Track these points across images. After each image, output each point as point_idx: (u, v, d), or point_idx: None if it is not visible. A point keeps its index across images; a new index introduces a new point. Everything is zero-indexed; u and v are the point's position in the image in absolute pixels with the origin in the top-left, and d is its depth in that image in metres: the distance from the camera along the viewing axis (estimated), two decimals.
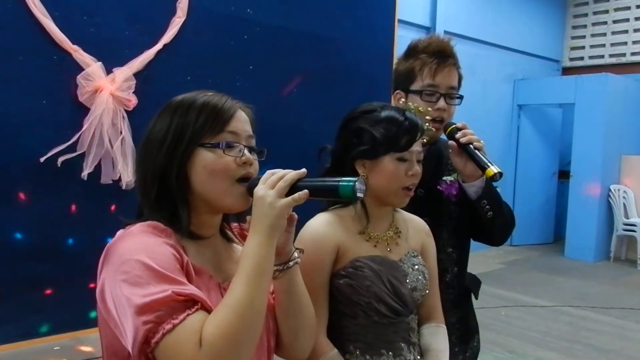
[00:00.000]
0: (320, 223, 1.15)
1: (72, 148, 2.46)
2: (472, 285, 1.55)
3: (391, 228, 1.22)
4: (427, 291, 1.21)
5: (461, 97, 1.46)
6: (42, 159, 2.40)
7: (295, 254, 0.93)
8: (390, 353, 1.13)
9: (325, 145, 1.22)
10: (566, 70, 7.68)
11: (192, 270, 0.83)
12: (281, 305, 0.94)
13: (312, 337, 0.99)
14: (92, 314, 2.41)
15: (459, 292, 1.48)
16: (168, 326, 0.73)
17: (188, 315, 0.74)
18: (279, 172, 0.85)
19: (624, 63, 7.14)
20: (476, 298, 1.56)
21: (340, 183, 0.84)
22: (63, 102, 2.47)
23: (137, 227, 0.84)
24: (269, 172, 0.86)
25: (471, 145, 1.32)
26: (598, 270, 5.95)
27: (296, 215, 0.91)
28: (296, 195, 0.82)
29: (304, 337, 0.96)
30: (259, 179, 0.86)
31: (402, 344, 1.15)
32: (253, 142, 0.93)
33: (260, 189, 0.83)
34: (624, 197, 6.35)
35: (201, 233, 0.90)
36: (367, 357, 1.13)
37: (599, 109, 6.25)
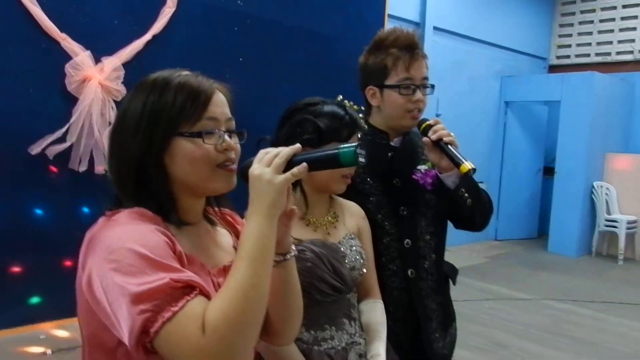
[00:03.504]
0: None
1: (62, 139, 2.44)
2: (450, 272, 1.60)
3: (329, 213, 1.31)
4: (365, 270, 1.32)
5: (433, 87, 1.50)
6: (33, 152, 2.37)
7: (293, 247, 0.93)
8: (333, 327, 1.23)
9: (265, 137, 1.26)
10: (553, 68, 7.77)
11: (184, 258, 0.81)
12: (275, 294, 0.93)
13: (299, 325, 1.00)
14: None
15: (437, 278, 1.52)
16: (167, 314, 0.71)
17: (187, 301, 0.72)
18: (273, 150, 0.83)
19: (609, 62, 7.25)
20: (454, 284, 1.61)
21: (341, 150, 0.83)
22: (51, 92, 2.44)
23: (124, 215, 0.81)
24: (262, 151, 0.84)
25: (443, 141, 1.36)
26: (580, 265, 6.06)
27: (296, 210, 0.90)
28: (295, 169, 0.81)
29: (292, 325, 0.97)
30: (250, 161, 0.84)
31: (344, 319, 1.25)
32: (232, 125, 0.90)
33: (256, 168, 0.81)
34: (606, 194, 6.47)
35: (187, 219, 0.89)
36: (312, 332, 1.22)
37: (584, 107, 6.34)
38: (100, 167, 2.56)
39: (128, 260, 0.73)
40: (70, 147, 2.48)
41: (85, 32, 2.49)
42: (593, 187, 6.50)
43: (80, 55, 2.47)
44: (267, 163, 0.81)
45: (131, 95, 0.88)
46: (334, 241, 1.28)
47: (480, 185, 1.77)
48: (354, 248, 1.30)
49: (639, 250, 6.43)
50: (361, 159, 0.85)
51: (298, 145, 0.83)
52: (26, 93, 2.38)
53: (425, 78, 1.46)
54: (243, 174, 0.85)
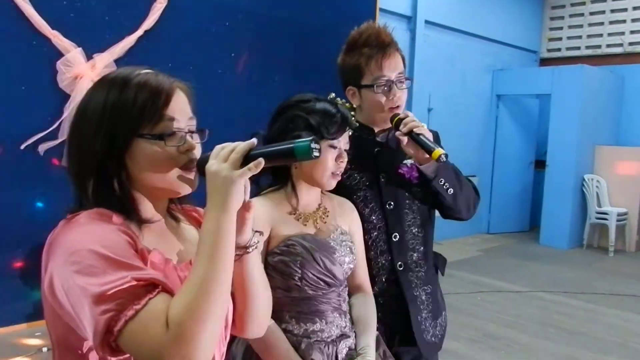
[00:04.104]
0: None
1: (53, 135, 2.44)
2: (439, 262, 1.63)
3: (320, 208, 1.33)
4: (354, 265, 1.34)
5: (410, 79, 1.51)
6: (22, 146, 2.37)
7: (255, 240, 0.92)
8: (323, 321, 1.26)
9: (258, 131, 1.27)
10: (544, 61, 7.81)
11: (147, 255, 0.82)
12: (240, 288, 0.93)
13: (268, 315, 1.01)
14: None
15: (426, 269, 1.56)
16: (130, 312, 0.71)
17: (150, 299, 0.73)
18: (229, 145, 0.83)
19: (599, 55, 7.30)
20: (442, 274, 1.64)
21: (296, 144, 0.83)
22: (43, 88, 2.44)
23: (83, 216, 0.81)
24: (218, 147, 0.83)
25: (414, 132, 1.38)
26: (571, 257, 6.13)
27: (253, 202, 0.89)
28: (251, 164, 0.80)
29: (260, 316, 0.98)
30: (207, 156, 0.84)
31: (335, 313, 1.28)
32: (194, 124, 0.89)
33: (212, 164, 0.80)
34: (597, 187, 6.53)
35: (150, 218, 0.88)
36: (302, 324, 1.24)
37: (574, 99, 6.38)
38: None
39: (89, 261, 0.73)
40: (63, 143, 2.49)
41: (77, 29, 2.48)
42: (584, 179, 6.56)
43: (72, 52, 2.47)
44: (223, 159, 0.80)
45: (91, 91, 0.86)
46: (325, 236, 1.29)
47: (473, 178, 1.80)
48: (344, 243, 1.32)
49: (629, 242, 6.51)
50: (315, 154, 0.83)
51: (254, 139, 0.83)
52: (17, 89, 2.38)
53: (401, 73, 1.47)
54: (200, 168, 0.85)
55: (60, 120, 2.46)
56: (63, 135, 2.47)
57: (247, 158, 0.81)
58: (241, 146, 0.82)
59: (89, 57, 2.52)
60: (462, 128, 6.53)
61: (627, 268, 5.73)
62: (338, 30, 3.51)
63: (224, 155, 0.81)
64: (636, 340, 3.70)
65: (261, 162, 0.80)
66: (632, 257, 6.25)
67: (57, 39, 2.44)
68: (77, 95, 2.50)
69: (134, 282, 0.72)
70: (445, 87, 6.26)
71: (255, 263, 0.94)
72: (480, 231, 7.10)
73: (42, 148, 2.43)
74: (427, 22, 5.97)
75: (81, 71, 2.51)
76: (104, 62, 2.56)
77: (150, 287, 0.74)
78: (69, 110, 2.48)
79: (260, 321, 0.99)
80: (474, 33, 6.71)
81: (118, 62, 2.60)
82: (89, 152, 0.83)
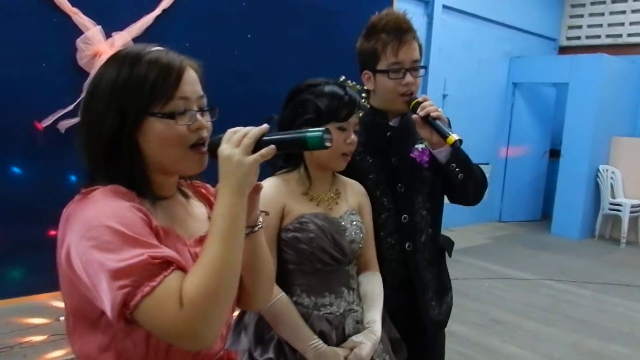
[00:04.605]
0: (269, 186, 1.28)
1: (73, 113, 2.50)
2: (446, 245, 1.67)
3: (331, 190, 1.39)
4: (364, 244, 1.40)
5: (425, 68, 1.54)
6: (42, 125, 2.43)
7: (260, 219, 0.95)
8: (332, 295, 1.32)
9: (272, 115, 1.33)
10: (563, 50, 7.69)
11: (160, 231, 0.84)
12: (246, 264, 0.94)
13: (271, 289, 1.06)
14: None
15: (433, 251, 1.60)
16: (146, 289, 0.75)
17: (165, 276, 0.76)
18: (241, 129, 0.84)
19: (620, 44, 7.16)
20: (449, 256, 1.68)
21: (308, 134, 0.85)
22: (63, 66, 2.48)
23: (99, 192, 0.83)
24: (230, 131, 0.85)
25: (430, 116, 1.41)
26: (582, 247, 6.11)
27: (262, 184, 0.92)
28: (263, 150, 0.82)
29: (263, 290, 1.02)
30: (219, 139, 0.85)
31: (343, 288, 1.34)
32: (204, 103, 0.90)
33: (225, 149, 0.82)
34: (611, 178, 6.48)
35: (162, 194, 0.91)
36: (312, 297, 1.30)
37: (592, 89, 6.30)
38: None
39: (106, 237, 0.76)
40: None
41: (96, 7, 2.52)
42: (598, 170, 6.50)
43: (91, 30, 2.51)
44: (236, 143, 0.82)
45: (103, 69, 0.87)
46: (336, 216, 1.35)
47: (486, 166, 1.82)
48: (355, 223, 1.37)
49: None
50: (327, 144, 0.85)
51: (266, 125, 0.85)
52: (38, 66, 2.43)
53: (416, 61, 1.50)
54: (211, 150, 0.87)
55: (79, 99, 2.51)
56: None
57: (259, 144, 0.83)
58: (253, 132, 0.83)
59: (108, 35, 2.56)
60: (477, 115, 6.48)
61: (638, 259, 5.70)
62: (354, 12, 3.53)
63: (236, 140, 0.83)
64: None
65: (273, 149, 0.82)
66: None
67: (78, 16, 2.48)
68: None
69: (150, 260, 0.76)
70: (461, 73, 6.21)
71: (260, 240, 0.97)
72: (492, 219, 7.09)
73: (62, 125, 2.49)
74: (444, 6, 5.91)
75: (100, 49, 2.54)
76: (123, 41, 2.60)
77: (165, 264, 0.77)
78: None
79: (264, 295, 1.04)
80: (492, 19, 6.62)
81: (136, 40, 2.62)
82: (100, 129, 0.85)
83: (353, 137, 1.33)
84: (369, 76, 1.53)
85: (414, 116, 1.44)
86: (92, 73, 2.53)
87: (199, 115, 0.88)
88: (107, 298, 0.75)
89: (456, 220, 5.71)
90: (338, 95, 1.30)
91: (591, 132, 6.35)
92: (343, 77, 1.39)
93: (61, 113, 2.46)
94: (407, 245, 1.54)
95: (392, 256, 1.54)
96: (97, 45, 2.54)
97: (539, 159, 7.40)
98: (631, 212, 6.28)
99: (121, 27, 2.61)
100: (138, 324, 0.78)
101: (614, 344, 3.45)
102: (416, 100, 1.46)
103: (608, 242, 6.43)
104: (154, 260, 0.76)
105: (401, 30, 1.47)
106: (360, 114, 1.35)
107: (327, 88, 1.31)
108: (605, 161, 6.60)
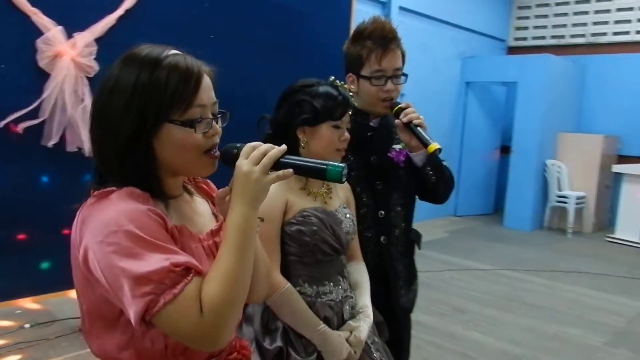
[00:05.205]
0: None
1: (34, 114, 2.43)
2: (416, 238, 1.78)
3: (324, 185, 1.46)
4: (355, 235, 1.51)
5: (406, 75, 1.62)
6: (0, 124, 2.36)
7: (257, 223, 0.96)
8: (331, 283, 1.42)
9: (264, 115, 1.42)
10: (511, 50, 8.04)
11: (176, 233, 0.87)
12: None
13: (266, 285, 1.10)
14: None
15: (406, 244, 1.70)
16: (168, 296, 0.77)
17: (186, 284, 0.79)
18: (261, 147, 0.87)
19: (563, 44, 7.56)
20: (419, 248, 1.79)
21: (329, 167, 0.89)
22: (23, 67, 2.41)
23: (116, 196, 0.83)
24: (249, 146, 0.88)
25: (412, 123, 1.50)
26: (533, 238, 6.43)
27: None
28: (280, 172, 0.87)
29: (258, 286, 1.04)
30: (234, 148, 0.88)
31: (339, 277, 1.44)
32: (217, 109, 0.92)
33: (244, 165, 0.85)
34: (558, 172, 6.83)
35: (172, 193, 0.93)
36: (314, 286, 1.39)
37: (539, 88, 6.61)
38: (73, 145, 2.56)
39: (127, 243, 0.77)
40: (43, 123, 2.47)
41: (57, 7, 2.46)
42: (546, 165, 6.84)
43: (52, 31, 2.45)
44: (255, 161, 0.86)
45: (120, 68, 0.86)
46: (332, 209, 1.45)
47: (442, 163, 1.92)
48: (348, 215, 1.48)
49: (586, 224, 6.86)
50: (344, 179, 0.90)
51: (284, 146, 0.89)
52: None
53: (398, 69, 1.57)
54: (225, 159, 0.90)
55: (40, 100, 2.45)
56: (44, 115, 2.47)
57: (277, 163, 0.87)
58: (274, 152, 0.87)
59: (69, 36, 2.51)
60: (433, 114, 6.67)
61: (584, 248, 6.06)
62: (316, 13, 3.59)
63: (256, 158, 0.86)
64: (592, 313, 3.98)
65: (291, 173, 0.87)
66: (588, 237, 6.61)
67: (37, 16, 2.41)
68: (57, 75, 2.49)
69: (172, 267, 0.78)
70: (418, 73, 6.35)
71: (257, 241, 1.00)
72: (448, 214, 7.33)
73: (22, 127, 2.42)
74: (401, 8, 6.06)
75: (61, 50, 2.49)
76: (85, 41, 2.55)
77: (185, 271, 0.80)
78: (50, 89, 2.47)
79: (261, 289, 1.08)
80: (446, 20, 6.84)
81: (99, 41, 2.59)
82: (117, 130, 0.84)
83: (346, 134, 1.41)
84: (352, 79, 1.60)
85: (397, 121, 1.53)
86: (54, 74, 2.48)
87: (214, 122, 0.90)
88: (128, 303, 0.77)
89: (415, 216, 5.86)
90: (332, 95, 1.37)
91: (539, 129, 6.67)
92: (332, 77, 1.44)
93: (21, 113, 2.39)
94: (382, 239, 1.63)
95: (368, 248, 1.62)
96: (58, 46, 2.48)
97: (491, 155, 7.71)
98: (576, 204, 6.66)
99: (83, 28, 2.56)
100: (156, 327, 0.81)
101: (567, 327, 3.68)
102: (399, 106, 1.54)
103: (556, 232, 6.79)
104: (176, 268, 0.79)
105: (386, 39, 1.54)
106: (350, 113, 1.42)
107: (322, 89, 1.38)
108: (552, 156, 6.95)
